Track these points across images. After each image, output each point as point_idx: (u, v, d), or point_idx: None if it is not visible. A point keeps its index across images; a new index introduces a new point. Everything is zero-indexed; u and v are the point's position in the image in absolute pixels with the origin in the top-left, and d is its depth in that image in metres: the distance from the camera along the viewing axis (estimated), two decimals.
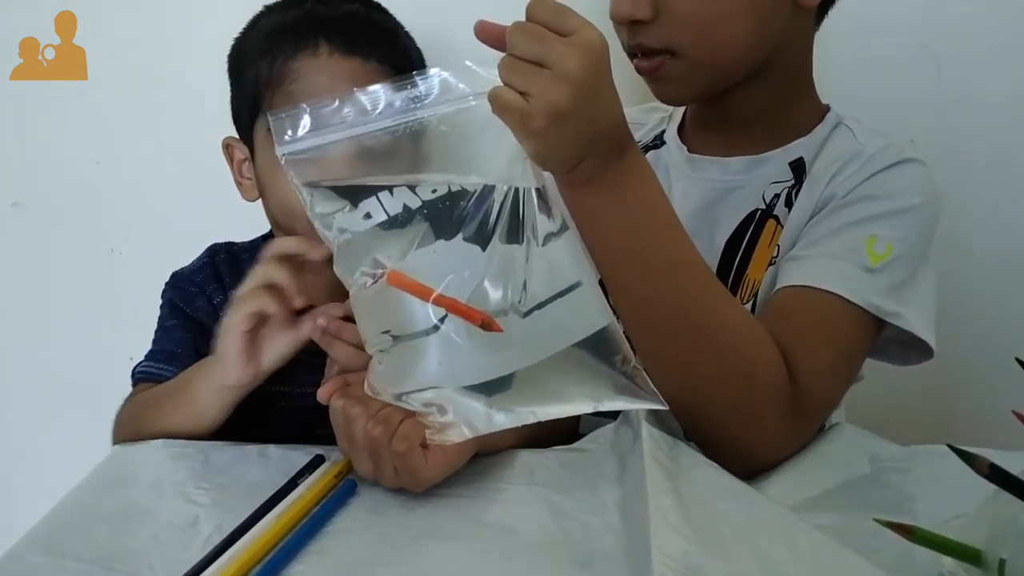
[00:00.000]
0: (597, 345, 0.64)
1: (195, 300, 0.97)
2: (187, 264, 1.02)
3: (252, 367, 0.79)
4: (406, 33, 1.01)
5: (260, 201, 0.99)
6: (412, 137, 0.65)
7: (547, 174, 0.68)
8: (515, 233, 0.63)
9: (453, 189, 0.65)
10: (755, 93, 0.87)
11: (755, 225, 0.88)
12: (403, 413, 0.69)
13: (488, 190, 0.64)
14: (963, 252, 1.17)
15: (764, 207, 0.88)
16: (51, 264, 1.38)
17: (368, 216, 0.65)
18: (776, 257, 0.85)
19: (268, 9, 1.00)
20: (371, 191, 0.66)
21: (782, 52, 0.85)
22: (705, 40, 0.81)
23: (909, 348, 0.82)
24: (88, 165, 1.32)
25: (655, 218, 0.71)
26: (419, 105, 0.64)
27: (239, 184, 1.01)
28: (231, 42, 1.00)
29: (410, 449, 0.67)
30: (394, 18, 1.00)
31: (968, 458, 0.48)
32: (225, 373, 0.80)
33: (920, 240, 0.82)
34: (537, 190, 0.65)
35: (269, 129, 0.91)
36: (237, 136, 1.00)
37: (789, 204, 0.87)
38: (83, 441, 1.42)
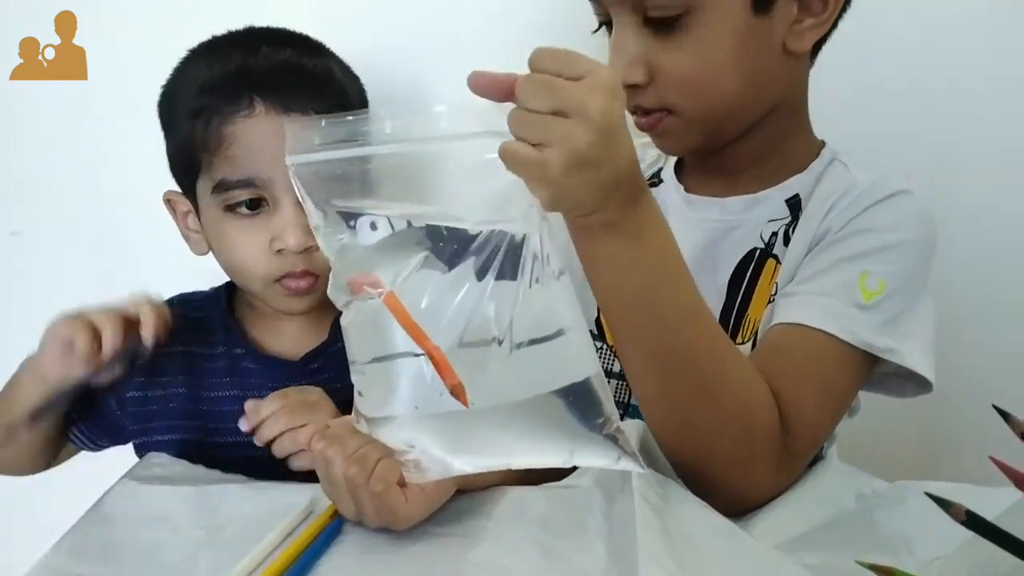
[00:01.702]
0: (579, 397, 0.62)
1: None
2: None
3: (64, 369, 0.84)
4: (344, 68, 0.99)
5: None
6: (419, 168, 0.63)
7: (552, 216, 0.66)
8: (511, 271, 0.62)
9: (450, 228, 0.63)
10: (753, 137, 0.87)
11: (755, 264, 0.89)
12: (379, 452, 0.69)
13: (490, 231, 0.62)
14: (946, 287, 1.18)
15: (763, 246, 0.89)
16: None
17: (374, 228, 0.65)
18: (775, 295, 0.86)
19: (194, 54, 0.98)
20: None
21: (778, 97, 0.86)
22: (698, 99, 0.82)
23: (906, 381, 0.83)
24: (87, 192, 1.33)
25: (667, 267, 0.71)
26: (430, 137, 0.62)
27: (187, 238, 1.00)
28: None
29: (387, 489, 0.68)
30: (328, 56, 0.99)
31: (945, 505, 0.48)
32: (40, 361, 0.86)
33: (915, 273, 0.83)
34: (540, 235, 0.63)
35: (214, 190, 0.91)
36: (176, 187, 0.98)
37: (787, 241, 0.87)
38: (82, 467, 1.43)
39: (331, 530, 0.72)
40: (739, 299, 0.89)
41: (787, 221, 0.88)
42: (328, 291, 0.66)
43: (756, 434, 0.73)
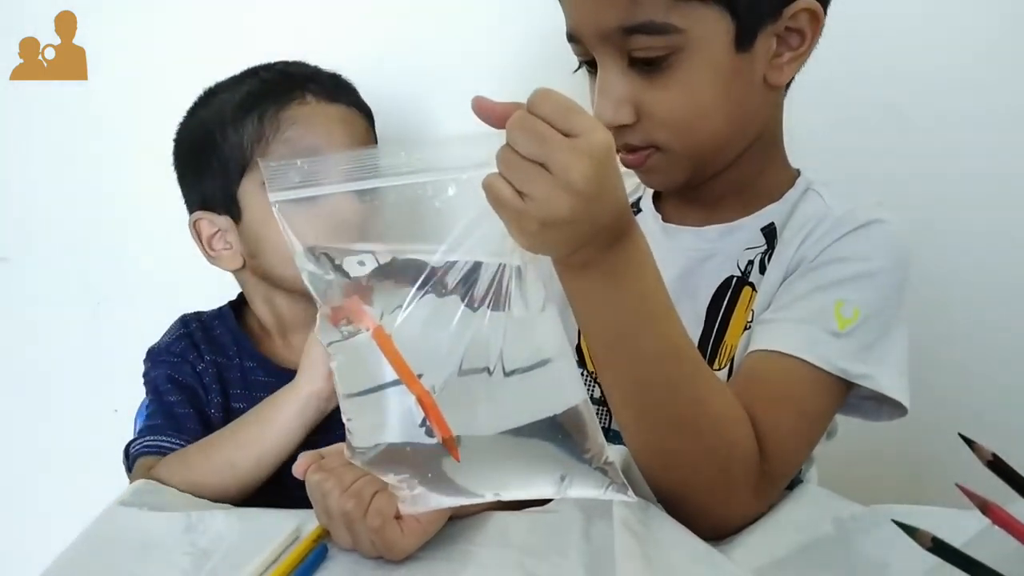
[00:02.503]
0: (567, 425, 0.63)
1: (182, 368, 1.01)
2: (160, 339, 1.05)
3: None
4: None
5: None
6: (407, 202, 0.64)
7: None
8: (497, 302, 0.62)
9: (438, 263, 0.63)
10: (732, 169, 0.89)
11: (732, 292, 0.90)
12: (376, 485, 0.70)
13: (476, 264, 0.63)
14: (936, 311, 1.20)
15: (740, 274, 0.90)
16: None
17: (362, 264, 0.66)
18: (751, 322, 0.87)
19: (216, 89, 1.05)
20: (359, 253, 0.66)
21: (759, 129, 0.88)
22: (686, 136, 0.83)
23: (881, 405, 0.84)
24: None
25: (648, 307, 0.71)
26: (418, 170, 0.62)
27: (213, 258, 1.04)
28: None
29: (384, 523, 0.69)
30: None
31: (911, 531, 0.50)
32: (310, 378, 0.88)
33: (889, 300, 0.84)
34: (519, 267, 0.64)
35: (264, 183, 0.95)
36: (203, 211, 1.03)
37: (763, 270, 0.89)
38: (71, 494, 1.43)
39: (316, 555, 0.72)
40: (716, 326, 0.91)
41: (763, 249, 0.90)
42: (316, 331, 0.67)
43: (735, 463, 0.74)
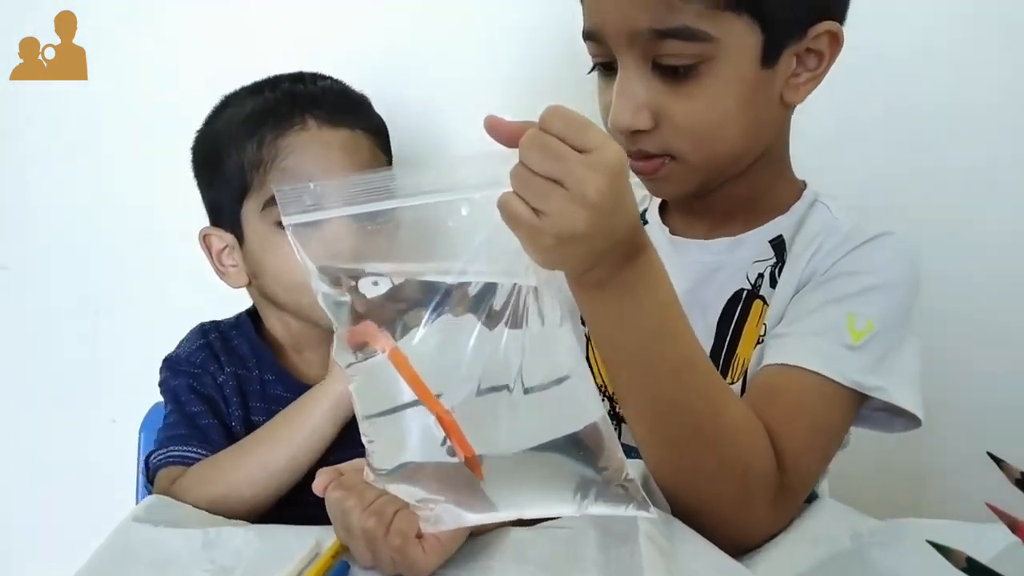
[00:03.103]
0: (587, 444, 0.63)
1: (203, 379, 0.99)
2: (178, 348, 1.04)
3: None
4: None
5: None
6: (420, 222, 0.64)
7: None
8: (515, 320, 0.62)
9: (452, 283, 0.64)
10: (740, 182, 0.89)
11: (742, 305, 0.91)
12: (397, 503, 0.70)
13: (490, 282, 0.63)
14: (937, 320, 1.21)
15: (750, 288, 0.91)
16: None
17: (375, 284, 0.65)
18: (764, 336, 0.88)
19: (229, 100, 1.04)
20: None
21: (769, 143, 0.88)
22: (703, 146, 0.83)
23: (894, 417, 0.85)
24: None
25: (664, 323, 0.71)
26: (430, 191, 0.62)
27: (222, 273, 1.04)
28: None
29: (405, 543, 0.69)
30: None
31: (946, 552, 0.50)
32: (342, 376, 0.85)
33: (901, 313, 0.85)
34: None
35: (265, 206, 0.96)
36: (211, 226, 1.03)
37: (773, 283, 0.89)
38: (68, 505, 1.42)
39: (339, 571, 0.72)
40: (727, 339, 0.91)
41: (772, 262, 0.91)
42: (333, 353, 0.67)
43: (753, 477, 0.74)
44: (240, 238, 1.01)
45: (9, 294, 1.38)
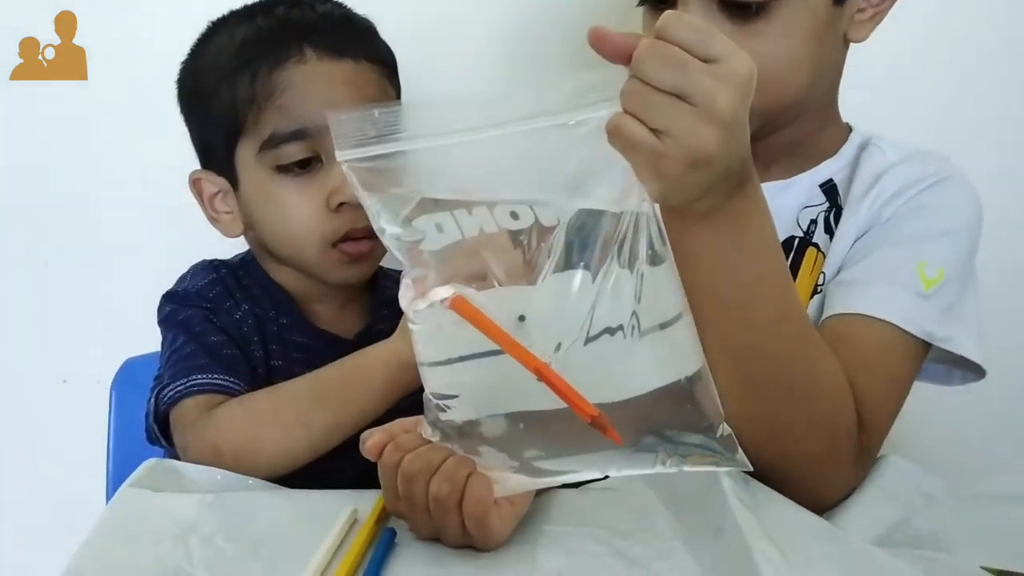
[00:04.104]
0: (682, 394, 0.57)
1: (220, 316, 0.88)
2: (180, 283, 0.92)
3: None
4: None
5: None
6: (490, 156, 0.57)
7: None
8: (624, 258, 0.56)
9: (539, 213, 0.56)
10: (792, 126, 0.85)
11: (795, 253, 0.86)
12: (467, 466, 0.61)
13: (594, 214, 0.56)
14: None
15: (802, 235, 0.86)
16: None
17: (440, 229, 0.57)
18: (821, 285, 0.83)
19: (217, 26, 0.92)
20: (444, 206, 0.57)
21: (829, 86, 0.85)
22: (770, 90, 0.75)
23: (952, 368, 0.82)
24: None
25: (768, 262, 0.65)
26: (503, 121, 0.54)
27: (215, 220, 0.93)
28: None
29: (486, 511, 0.60)
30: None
31: None
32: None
33: (968, 259, 0.82)
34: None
35: (261, 149, 0.85)
36: (202, 169, 0.92)
37: (829, 230, 0.85)
38: (16, 467, 1.33)
39: (385, 540, 0.65)
40: None
41: (825, 208, 0.86)
42: (401, 295, 0.59)
43: (840, 433, 0.70)
44: (234, 183, 0.90)
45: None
